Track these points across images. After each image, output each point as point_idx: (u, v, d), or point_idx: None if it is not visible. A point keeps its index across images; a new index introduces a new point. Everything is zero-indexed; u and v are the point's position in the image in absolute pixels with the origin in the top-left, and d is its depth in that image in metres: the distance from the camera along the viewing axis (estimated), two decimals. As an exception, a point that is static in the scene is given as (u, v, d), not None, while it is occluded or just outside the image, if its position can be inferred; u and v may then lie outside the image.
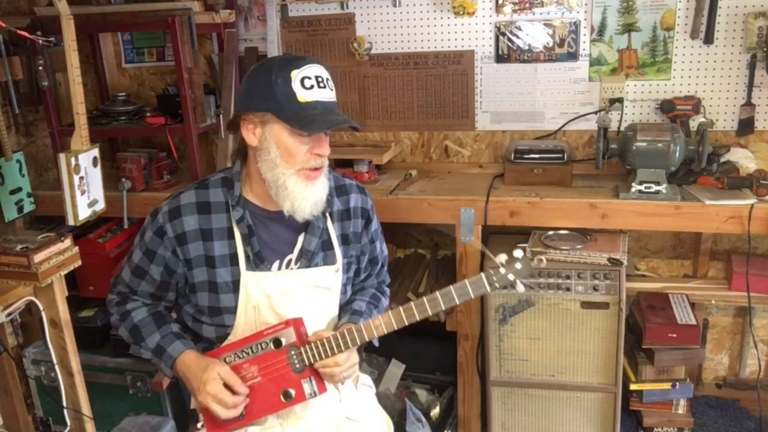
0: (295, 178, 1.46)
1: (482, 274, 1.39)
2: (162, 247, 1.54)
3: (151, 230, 1.55)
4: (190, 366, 1.52)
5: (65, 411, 2.14)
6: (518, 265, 1.37)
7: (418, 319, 1.45)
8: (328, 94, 1.46)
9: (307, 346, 1.49)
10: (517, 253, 1.37)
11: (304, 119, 1.42)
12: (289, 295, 1.55)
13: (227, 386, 1.48)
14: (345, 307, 1.68)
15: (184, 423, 1.72)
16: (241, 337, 1.54)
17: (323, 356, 1.48)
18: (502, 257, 1.37)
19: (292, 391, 1.50)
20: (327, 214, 1.58)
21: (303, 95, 1.42)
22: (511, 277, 1.37)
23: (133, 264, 1.60)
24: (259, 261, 1.53)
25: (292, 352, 1.49)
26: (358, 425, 1.65)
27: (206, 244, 1.52)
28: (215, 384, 1.46)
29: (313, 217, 1.52)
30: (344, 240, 1.64)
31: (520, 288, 1.38)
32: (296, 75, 1.42)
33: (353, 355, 1.55)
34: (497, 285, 1.38)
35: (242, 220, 1.52)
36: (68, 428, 2.16)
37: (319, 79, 1.45)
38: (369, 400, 1.74)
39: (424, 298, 1.45)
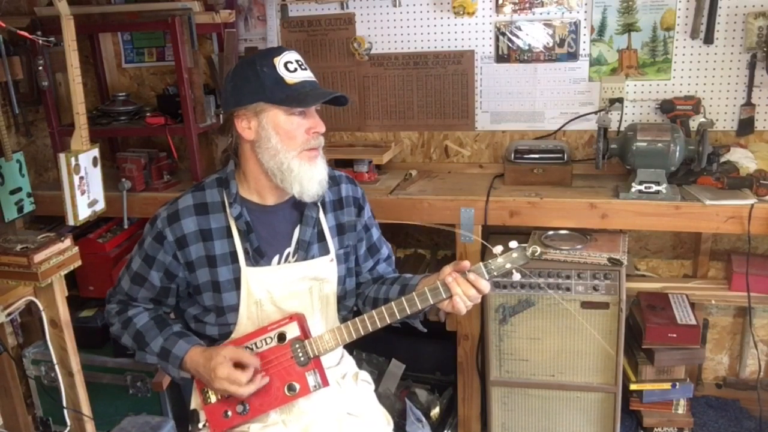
0: (298, 160, 1.50)
1: (481, 264, 1.44)
2: (162, 252, 1.55)
3: (150, 236, 1.57)
4: (198, 360, 1.52)
5: (65, 411, 2.13)
6: (514, 255, 1.43)
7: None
8: (310, 75, 1.53)
9: (311, 339, 1.51)
10: (513, 243, 1.44)
11: (297, 98, 1.48)
12: (289, 289, 1.57)
13: (238, 365, 1.48)
14: (389, 280, 1.70)
15: (184, 423, 1.71)
16: (244, 333, 1.56)
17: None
18: (499, 248, 1.44)
19: (297, 385, 1.50)
20: (319, 204, 1.61)
21: (290, 77, 1.49)
22: (508, 265, 1.43)
23: (132, 272, 1.62)
24: (258, 257, 1.55)
25: (296, 346, 1.50)
26: (359, 420, 1.66)
27: (207, 244, 1.54)
28: (224, 366, 1.47)
29: (309, 197, 1.53)
30: (340, 229, 1.66)
31: (517, 276, 1.44)
32: (279, 61, 1.49)
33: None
34: (495, 273, 1.44)
35: (240, 217, 1.54)
36: (68, 428, 2.15)
37: (299, 62, 1.52)
38: (369, 396, 1.76)
39: (426, 289, 1.46)
